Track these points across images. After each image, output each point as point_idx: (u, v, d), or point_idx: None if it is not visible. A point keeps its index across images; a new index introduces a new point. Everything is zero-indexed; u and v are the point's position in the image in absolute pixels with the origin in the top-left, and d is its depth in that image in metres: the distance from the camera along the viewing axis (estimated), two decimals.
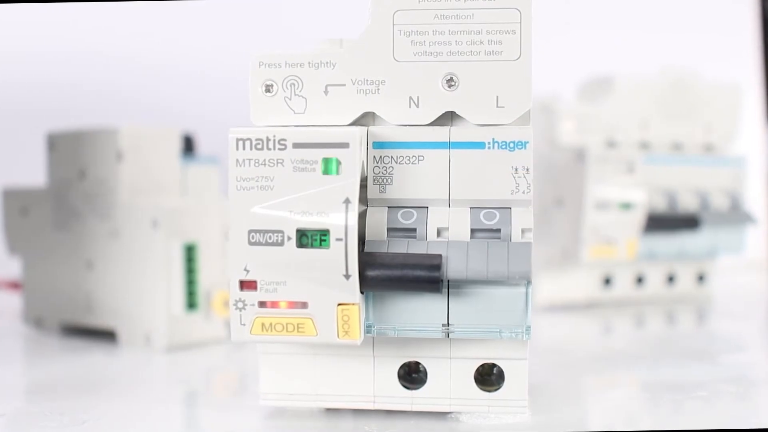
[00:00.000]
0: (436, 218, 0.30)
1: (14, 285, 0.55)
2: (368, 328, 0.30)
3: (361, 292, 0.29)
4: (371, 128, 0.31)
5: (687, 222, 0.57)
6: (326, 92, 0.31)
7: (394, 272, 0.29)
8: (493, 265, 0.29)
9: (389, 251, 0.30)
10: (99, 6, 0.73)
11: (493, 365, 0.31)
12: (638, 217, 0.56)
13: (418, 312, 0.30)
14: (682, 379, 0.38)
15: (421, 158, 0.30)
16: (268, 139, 0.29)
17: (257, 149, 0.29)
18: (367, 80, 0.30)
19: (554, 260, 0.57)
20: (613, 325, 0.53)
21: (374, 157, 0.30)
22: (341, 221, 0.28)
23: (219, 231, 0.47)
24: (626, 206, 0.55)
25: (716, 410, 0.33)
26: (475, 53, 0.30)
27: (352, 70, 0.30)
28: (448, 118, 0.31)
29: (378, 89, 0.30)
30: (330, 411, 0.33)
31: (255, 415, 0.33)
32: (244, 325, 0.30)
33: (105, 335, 0.48)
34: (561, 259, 0.57)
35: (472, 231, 0.30)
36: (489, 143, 0.30)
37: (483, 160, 0.30)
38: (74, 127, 0.50)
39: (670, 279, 0.60)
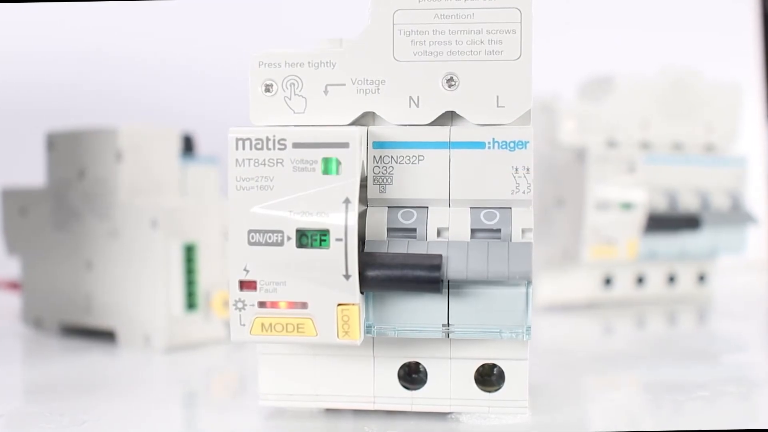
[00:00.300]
0: (436, 218, 0.30)
1: (13, 285, 0.55)
2: (368, 329, 0.30)
3: (361, 292, 0.29)
4: (371, 128, 0.30)
5: (688, 222, 0.57)
6: (326, 92, 0.31)
7: (394, 272, 0.29)
8: (494, 265, 0.29)
9: (389, 251, 0.30)
10: (99, 6, 0.73)
11: (494, 365, 0.31)
12: (639, 217, 0.56)
13: (418, 312, 0.30)
14: (682, 379, 0.38)
15: (421, 158, 0.30)
16: (267, 139, 0.29)
17: (257, 149, 0.29)
18: (367, 80, 0.30)
19: (555, 260, 0.57)
20: (613, 325, 0.53)
21: (374, 157, 0.30)
22: (341, 221, 0.28)
23: (218, 231, 0.47)
24: (627, 206, 0.55)
25: (717, 411, 0.33)
26: (476, 53, 0.30)
27: (352, 70, 0.30)
28: (448, 117, 0.31)
29: (378, 89, 0.30)
30: (330, 411, 0.33)
31: (255, 415, 0.32)
32: (243, 325, 0.29)
33: (104, 335, 0.48)
34: (561, 259, 0.57)
35: (473, 231, 0.30)
36: (489, 143, 0.30)
37: (483, 160, 0.30)
38: (74, 126, 0.50)
39: (671, 279, 0.60)
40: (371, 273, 0.29)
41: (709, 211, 0.57)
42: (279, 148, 0.29)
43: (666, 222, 0.56)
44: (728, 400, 0.34)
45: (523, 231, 0.30)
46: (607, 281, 0.58)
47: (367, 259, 0.29)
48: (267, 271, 0.29)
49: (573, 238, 0.56)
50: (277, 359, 0.32)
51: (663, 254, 0.57)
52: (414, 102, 0.30)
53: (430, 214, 0.30)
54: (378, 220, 0.30)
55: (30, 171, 0.56)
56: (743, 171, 0.60)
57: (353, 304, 0.29)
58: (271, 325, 0.29)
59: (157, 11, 0.74)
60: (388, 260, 0.29)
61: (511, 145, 0.30)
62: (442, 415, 0.32)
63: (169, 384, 0.40)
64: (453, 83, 0.30)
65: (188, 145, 0.52)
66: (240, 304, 0.29)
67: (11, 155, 0.68)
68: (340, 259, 0.28)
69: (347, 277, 0.28)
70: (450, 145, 0.30)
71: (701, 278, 0.61)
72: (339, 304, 0.29)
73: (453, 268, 0.29)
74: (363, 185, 0.30)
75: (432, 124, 0.30)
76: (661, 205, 0.57)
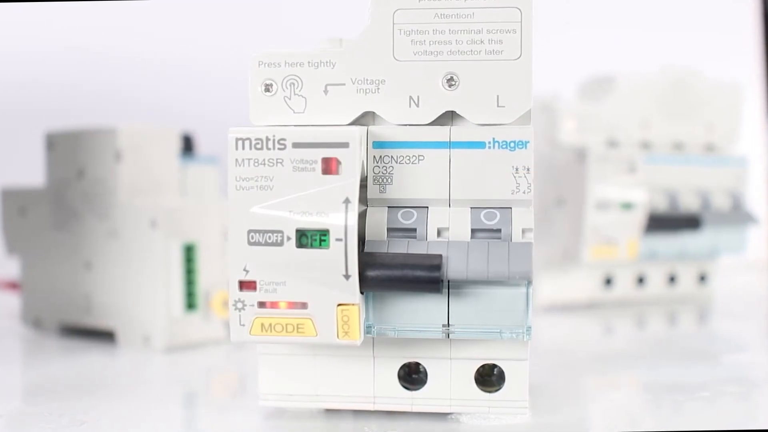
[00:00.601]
0: (436, 218, 0.30)
1: (13, 285, 0.54)
2: (368, 329, 0.30)
3: (361, 293, 0.29)
4: (371, 128, 0.30)
5: (688, 222, 0.57)
6: (326, 92, 0.30)
7: (394, 272, 0.29)
8: (494, 265, 0.29)
9: (389, 251, 0.30)
10: (98, 6, 0.73)
11: (494, 366, 0.31)
12: (639, 217, 0.56)
13: (418, 312, 0.30)
14: (683, 379, 0.38)
15: (421, 158, 0.30)
16: (267, 139, 0.29)
17: (257, 149, 0.29)
18: (367, 80, 0.30)
19: (555, 260, 0.57)
20: (613, 325, 0.53)
21: (374, 156, 0.30)
22: (341, 221, 0.28)
23: (218, 231, 0.47)
24: (627, 206, 0.55)
25: (717, 411, 0.33)
26: (476, 52, 0.30)
27: (352, 70, 0.30)
28: (449, 117, 0.31)
29: (378, 89, 0.30)
30: (330, 412, 0.33)
31: (254, 415, 0.32)
32: (243, 325, 0.29)
33: (104, 336, 0.48)
34: (562, 260, 0.57)
35: (473, 231, 0.30)
36: (489, 143, 0.30)
37: (483, 160, 0.30)
38: (73, 126, 0.50)
39: (671, 279, 0.60)
40: (371, 273, 0.29)
41: (710, 211, 0.57)
42: (279, 148, 0.29)
43: (666, 222, 0.56)
44: (728, 400, 0.34)
45: (524, 231, 0.30)
46: (608, 281, 0.58)
47: (367, 259, 0.29)
48: (267, 271, 0.29)
49: (573, 238, 0.56)
50: (277, 359, 0.32)
51: (663, 254, 0.57)
52: (414, 102, 0.30)
53: (430, 214, 0.30)
54: (378, 220, 0.30)
55: (30, 171, 0.56)
56: (744, 171, 0.60)
57: (353, 304, 0.29)
58: (270, 325, 0.29)
59: (157, 11, 0.74)
60: (388, 260, 0.29)
61: (512, 145, 0.30)
62: (442, 416, 0.32)
63: (169, 384, 0.40)
64: (453, 83, 0.30)
65: (188, 145, 0.52)
66: (240, 305, 0.29)
67: (11, 155, 0.68)
68: (340, 259, 0.28)
69: (347, 277, 0.28)
70: (450, 145, 0.30)
71: (701, 278, 0.61)
72: (339, 304, 0.29)
73: (453, 268, 0.29)
74: (363, 185, 0.30)
75: (432, 123, 0.30)
76: (662, 205, 0.57)
